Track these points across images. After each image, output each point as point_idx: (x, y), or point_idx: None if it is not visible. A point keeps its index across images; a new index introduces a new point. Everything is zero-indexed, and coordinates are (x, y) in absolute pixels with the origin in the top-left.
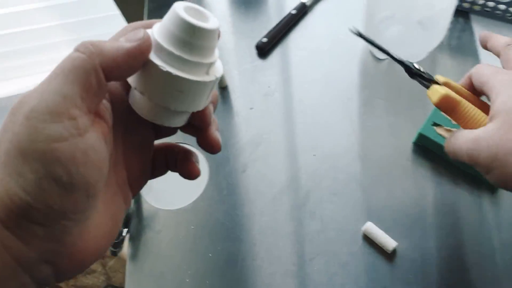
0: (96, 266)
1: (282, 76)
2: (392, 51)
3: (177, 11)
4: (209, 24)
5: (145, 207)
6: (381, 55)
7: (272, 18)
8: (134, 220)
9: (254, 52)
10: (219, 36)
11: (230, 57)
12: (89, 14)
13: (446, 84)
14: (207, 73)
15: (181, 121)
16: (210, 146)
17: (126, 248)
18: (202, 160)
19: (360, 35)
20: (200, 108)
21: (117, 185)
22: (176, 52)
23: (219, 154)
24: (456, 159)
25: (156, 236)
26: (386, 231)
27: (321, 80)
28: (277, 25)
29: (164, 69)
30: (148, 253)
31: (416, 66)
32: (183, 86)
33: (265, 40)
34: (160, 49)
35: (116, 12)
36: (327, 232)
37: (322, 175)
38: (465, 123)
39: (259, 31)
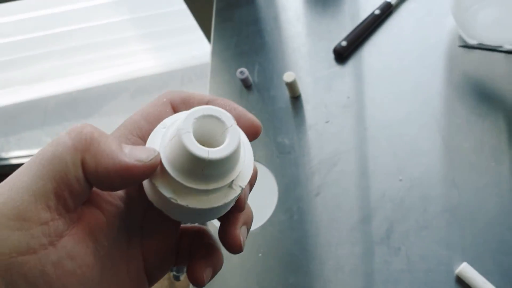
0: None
1: (362, 85)
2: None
3: (183, 140)
4: (224, 148)
5: (209, 228)
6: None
7: (353, 18)
8: None
9: (331, 56)
10: (255, 135)
11: (304, 62)
12: (157, 9)
13: None
14: (230, 186)
15: (201, 223)
16: (228, 245)
17: None
18: (271, 180)
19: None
20: (224, 213)
21: (129, 276)
22: (187, 184)
23: (290, 173)
24: None
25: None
26: (485, 275)
27: (409, 91)
28: (358, 26)
29: (175, 202)
30: (213, 280)
31: None
32: (200, 212)
33: (344, 43)
34: (169, 176)
35: (184, 6)
36: (414, 273)
37: (409, 204)
38: None
39: (338, 33)
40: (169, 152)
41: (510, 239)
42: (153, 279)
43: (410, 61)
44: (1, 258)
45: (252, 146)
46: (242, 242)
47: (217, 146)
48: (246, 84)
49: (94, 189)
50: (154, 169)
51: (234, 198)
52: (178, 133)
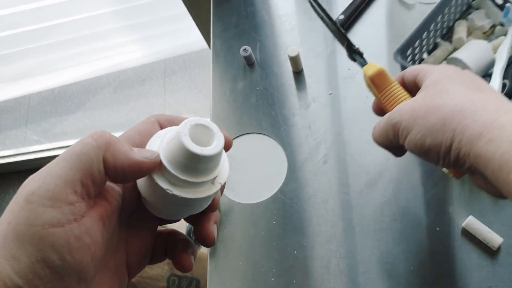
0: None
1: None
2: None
3: (182, 140)
4: (214, 147)
5: (223, 201)
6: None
7: None
8: None
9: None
10: (228, 147)
11: (305, 39)
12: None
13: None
14: (213, 183)
15: (184, 216)
16: (203, 239)
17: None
18: (280, 151)
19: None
20: (203, 208)
21: (115, 267)
22: (182, 176)
23: (297, 144)
24: (383, 140)
25: (236, 232)
26: (490, 226)
27: None
28: (355, 1)
29: (170, 192)
30: (228, 250)
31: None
32: (188, 202)
33: (341, 17)
34: (167, 171)
35: None
36: (423, 228)
37: (412, 166)
38: (392, 103)
39: (335, 9)
40: (167, 152)
41: None
42: (131, 274)
43: None
44: (36, 229)
45: (259, 121)
46: (215, 236)
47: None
48: (249, 62)
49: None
50: (157, 165)
51: (215, 193)
52: (177, 135)
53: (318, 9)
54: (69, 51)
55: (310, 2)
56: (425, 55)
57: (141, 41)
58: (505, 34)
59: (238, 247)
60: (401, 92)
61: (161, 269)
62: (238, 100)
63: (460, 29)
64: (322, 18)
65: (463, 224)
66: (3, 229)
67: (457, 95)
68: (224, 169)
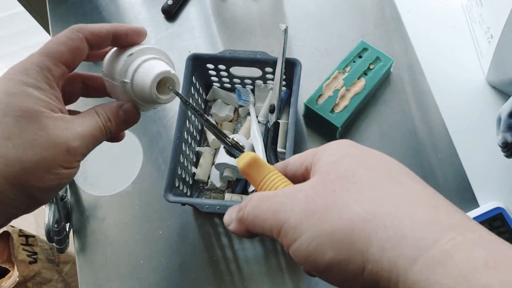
0: (52, 274)
1: (198, 39)
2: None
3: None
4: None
5: (84, 198)
6: None
7: None
8: (75, 212)
9: (162, 16)
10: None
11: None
12: None
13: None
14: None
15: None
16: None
17: (72, 243)
18: (133, 138)
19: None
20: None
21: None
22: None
23: (151, 129)
24: (256, 227)
25: (101, 224)
26: None
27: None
28: None
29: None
30: (96, 243)
31: (233, 138)
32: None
33: (170, 2)
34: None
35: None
36: None
37: None
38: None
39: None
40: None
41: None
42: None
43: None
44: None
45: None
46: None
47: None
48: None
49: None
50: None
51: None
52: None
53: (193, 111)
54: None
55: (185, 103)
56: (194, 169)
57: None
58: (249, 113)
59: (105, 239)
60: (284, 181)
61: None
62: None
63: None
64: (196, 115)
65: None
66: None
67: (368, 189)
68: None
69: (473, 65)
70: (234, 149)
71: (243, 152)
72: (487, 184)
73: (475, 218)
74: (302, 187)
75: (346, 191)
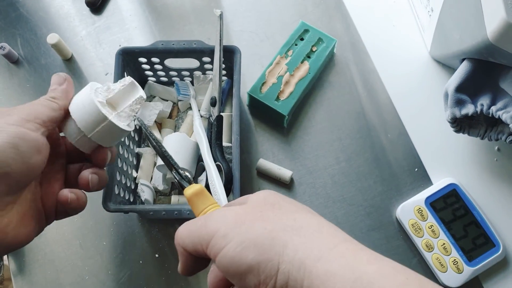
0: None
1: (130, 30)
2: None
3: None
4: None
5: None
6: None
7: None
8: None
9: (87, 10)
10: None
11: (67, 23)
12: None
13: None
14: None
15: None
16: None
17: (8, 266)
18: None
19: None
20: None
21: (34, 205)
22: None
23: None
24: (190, 245)
25: (38, 241)
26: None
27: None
28: None
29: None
30: (34, 262)
31: (183, 172)
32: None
33: None
34: None
35: None
36: None
37: None
38: None
39: None
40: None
41: None
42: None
43: None
44: None
45: None
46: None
47: None
48: (12, 60)
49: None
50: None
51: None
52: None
53: (152, 141)
54: None
55: (146, 134)
56: (134, 173)
57: None
58: (190, 107)
59: (43, 257)
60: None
61: None
62: (11, 100)
63: (154, 131)
64: (153, 147)
65: (256, 166)
66: None
67: (288, 213)
68: None
69: (416, 40)
70: (184, 180)
71: (191, 183)
72: (439, 161)
73: (430, 196)
74: (232, 208)
75: (271, 212)
